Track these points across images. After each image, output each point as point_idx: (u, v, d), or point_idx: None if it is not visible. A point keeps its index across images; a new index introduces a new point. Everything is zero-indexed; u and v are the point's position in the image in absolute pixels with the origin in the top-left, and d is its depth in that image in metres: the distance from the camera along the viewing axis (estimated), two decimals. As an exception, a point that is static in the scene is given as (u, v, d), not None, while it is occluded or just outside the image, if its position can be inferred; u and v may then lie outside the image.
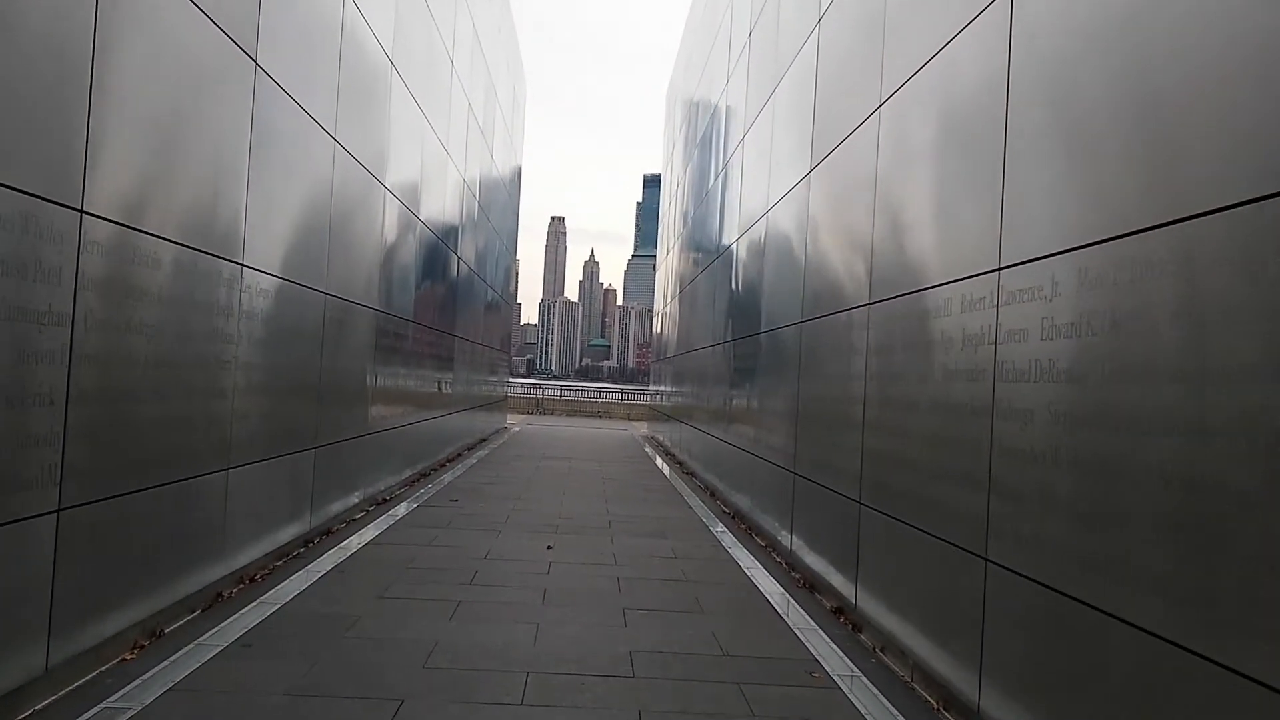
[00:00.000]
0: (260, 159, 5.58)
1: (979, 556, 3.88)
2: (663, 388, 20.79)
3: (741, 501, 9.51)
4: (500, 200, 19.43)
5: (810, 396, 6.93)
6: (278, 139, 5.89)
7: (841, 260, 6.42)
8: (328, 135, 6.90)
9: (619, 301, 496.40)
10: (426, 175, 10.90)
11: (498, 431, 20.99)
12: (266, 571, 5.96)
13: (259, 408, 5.78)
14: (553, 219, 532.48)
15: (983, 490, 3.88)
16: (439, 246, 12.11)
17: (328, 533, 7.38)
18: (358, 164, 7.75)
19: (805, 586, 6.48)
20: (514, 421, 26.24)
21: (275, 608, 5.13)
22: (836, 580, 5.95)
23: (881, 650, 4.96)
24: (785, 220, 8.31)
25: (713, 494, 11.33)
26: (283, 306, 6.12)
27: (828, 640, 5.14)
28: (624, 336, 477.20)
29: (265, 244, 5.76)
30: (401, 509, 8.85)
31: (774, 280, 8.78)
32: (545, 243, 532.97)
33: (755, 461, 8.83)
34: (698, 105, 16.34)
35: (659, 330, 23.51)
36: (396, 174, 9.27)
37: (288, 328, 6.27)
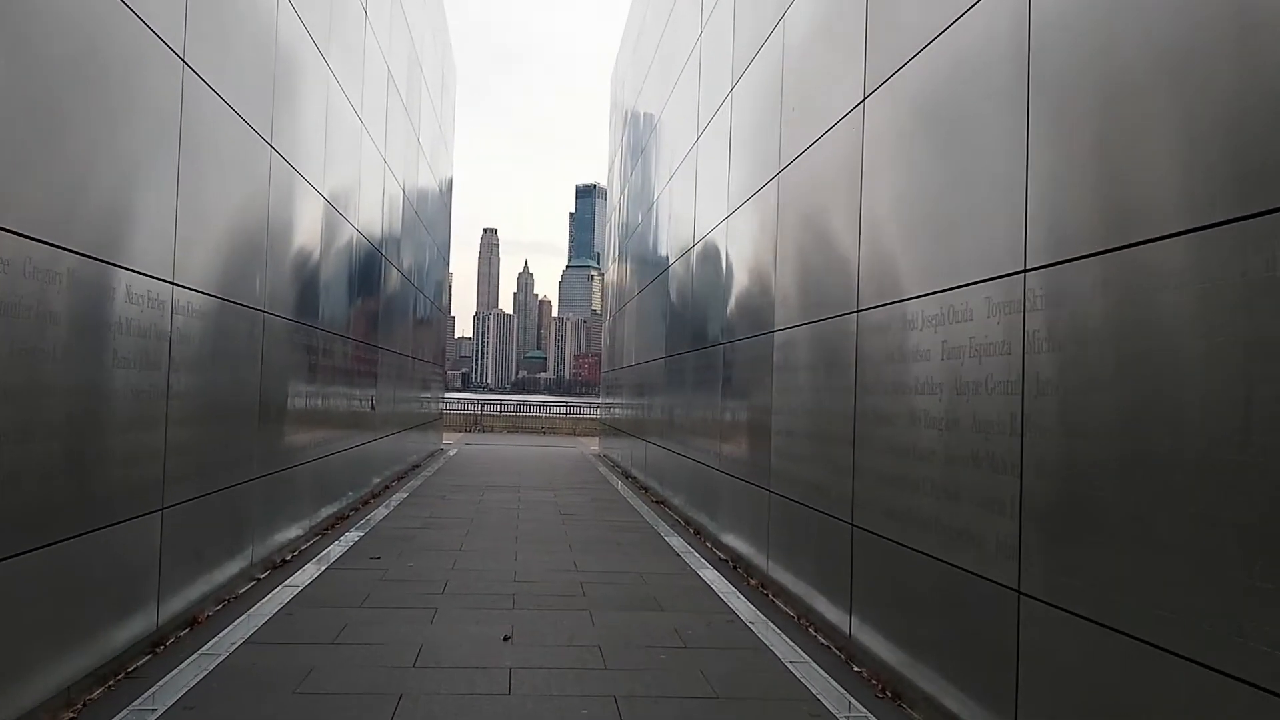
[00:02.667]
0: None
1: None
2: (617, 400, 18.72)
3: (740, 546, 7.52)
4: (431, 199, 17.20)
5: (874, 413, 4.97)
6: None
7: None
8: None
9: (554, 313, 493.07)
10: (333, 144, 8.71)
11: (433, 455, 18.68)
12: None
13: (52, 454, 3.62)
14: (485, 231, 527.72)
15: None
16: (346, 231, 9.91)
17: (187, 625, 5.17)
18: (234, 114, 5.59)
19: (890, 696, 4.48)
20: (451, 441, 23.90)
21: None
22: (955, 703, 3.98)
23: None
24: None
25: (697, 531, 9.32)
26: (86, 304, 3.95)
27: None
28: (560, 348, 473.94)
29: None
30: (303, 576, 6.64)
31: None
32: (479, 254, 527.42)
33: (773, 500, 6.84)
34: (643, 106, 14.41)
35: (610, 338, 21.45)
36: (286, 134, 7.09)
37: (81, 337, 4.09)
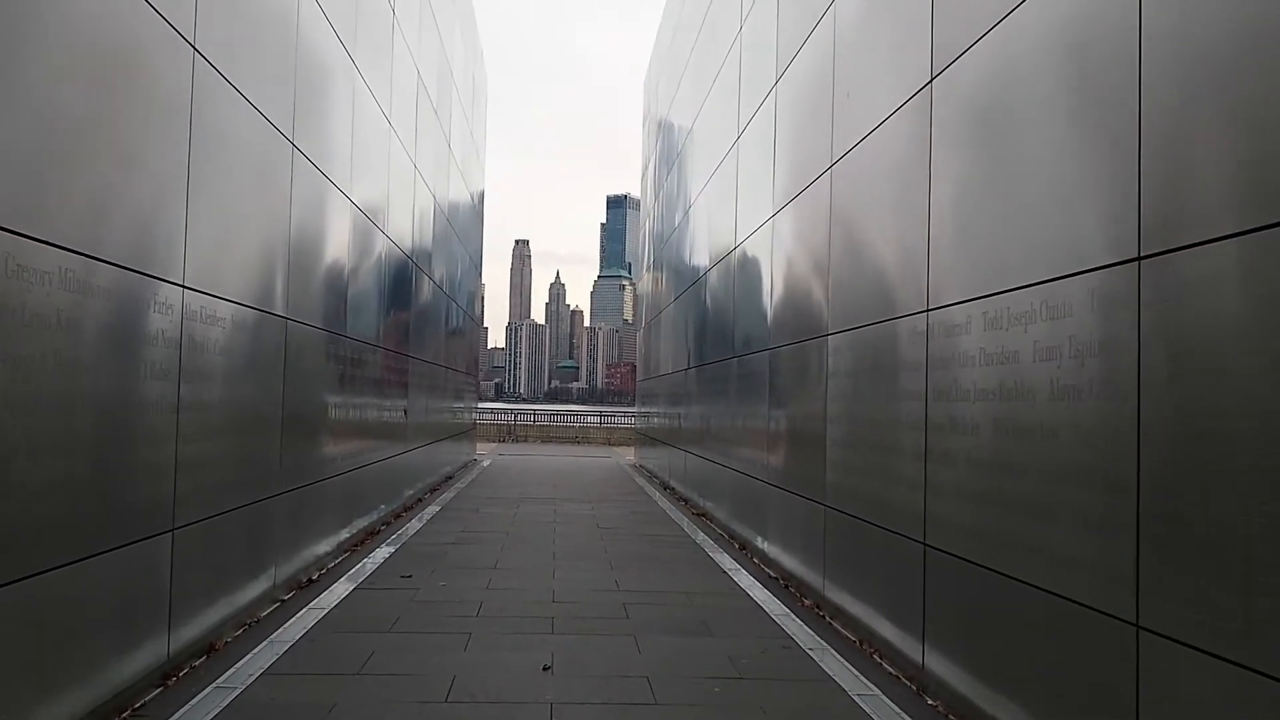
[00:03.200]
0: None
1: None
2: (654, 409, 18.30)
3: (793, 564, 7.06)
4: (463, 206, 16.93)
5: (950, 421, 4.49)
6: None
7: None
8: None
9: (586, 323, 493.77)
10: (361, 149, 8.39)
11: (466, 465, 18.36)
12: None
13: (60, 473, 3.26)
14: (517, 242, 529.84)
15: None
16: (375, 238, 9.60)
17: (204, 653, 4.81)
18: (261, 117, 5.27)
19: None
20: (484, 451, 23.59)
21: None
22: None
23: None
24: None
25: (743, 546, 8.86)
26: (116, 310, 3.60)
27: None
28: (592, 357, 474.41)
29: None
30: (331, 597, 6.28)
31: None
32: (510, 266, 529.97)
33: (829, 515, 6.38)
34: (676, 113, 14.01)
35: (645, 346, 21.05)
36: (311, 135, 6.76)
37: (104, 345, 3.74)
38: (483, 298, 24.36)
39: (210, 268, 4.80)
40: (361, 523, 8.77)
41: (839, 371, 6.12)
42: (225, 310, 5.01)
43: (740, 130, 9.75)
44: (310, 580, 6.79)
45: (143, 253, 4.05)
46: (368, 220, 8.68)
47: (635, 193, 22.57)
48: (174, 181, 4.38)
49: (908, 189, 5.06)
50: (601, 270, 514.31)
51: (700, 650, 5.21)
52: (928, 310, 4.73)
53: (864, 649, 5.35)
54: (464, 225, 17.14)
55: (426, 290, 12.57)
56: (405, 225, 10.82)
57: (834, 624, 5.94)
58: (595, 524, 10.42)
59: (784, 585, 7.14)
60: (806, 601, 6.56)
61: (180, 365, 4.44)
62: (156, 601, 4.32)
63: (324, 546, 7.32)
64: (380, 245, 9.37)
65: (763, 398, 8.28)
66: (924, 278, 4.79)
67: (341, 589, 6.53)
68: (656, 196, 18.75)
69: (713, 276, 11.26)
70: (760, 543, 8.21)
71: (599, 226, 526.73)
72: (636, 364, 23.66)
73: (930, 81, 4.82)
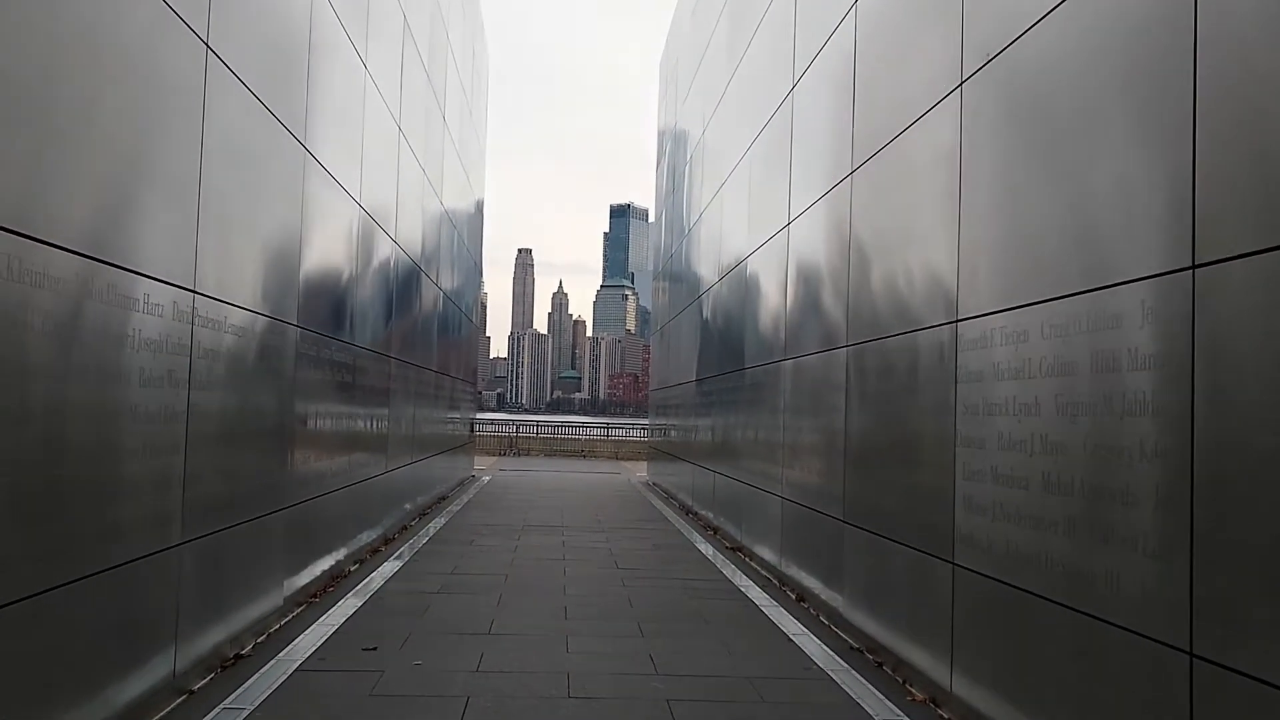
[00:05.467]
0: None
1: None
2: (669, 422, 16.45)
3: (889, 637, 5.23)
4: (464, 207, 15.16)
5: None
6: None
7: None
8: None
9: (589, 333, 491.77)
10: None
11: (463, 483, 16.52)
12: None
13: None
14: (520, 251, 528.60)
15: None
16: (347, 208, 7.82)
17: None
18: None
19: None
20: (484, 466, 21.74)
21: None
22: None
23: None
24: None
25: (801, 599, 7.03)
26: None
27: None
28: (594, 368, 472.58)
29: None
30: (251, 693, 4.44)
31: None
32: (513, 275, 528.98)
33: (959, 575, 4.55)
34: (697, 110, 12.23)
35: (658, 352, 19.22)
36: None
37: None
38: (485, 306, 22.68)
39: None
40: (323, 564, 6.94)
41: (980, 373, 4.30)
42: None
43: (760, 129, 7.96)
44: (237, 656, 4.96)
45: None
46: (332, 180, 6.88)
47: (639, 202, 20.90)
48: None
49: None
50: (604, 280, 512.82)
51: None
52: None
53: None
54: (459, 210, 15.36)
55: (411, 276, 10.72)
56: (375, 180, 9.03)
57: (975, 739, 4.12)
58: (613, 561, 8.58)
59: (876, 663, 5.30)
60: (917, 693, 4.73)
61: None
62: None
63: (263, 605, 5.50)
64: (353, 215, 7.59)
65: (835, 408, 6.45)
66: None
67: (270, 678, 4.67)
68: (673, 184, 16.96)
69: (755, 262, 9.44)
70: (830, 596, 6.37)
71: (602, 236, 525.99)
72: (640, 375, 21.88)
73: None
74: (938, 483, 4.63)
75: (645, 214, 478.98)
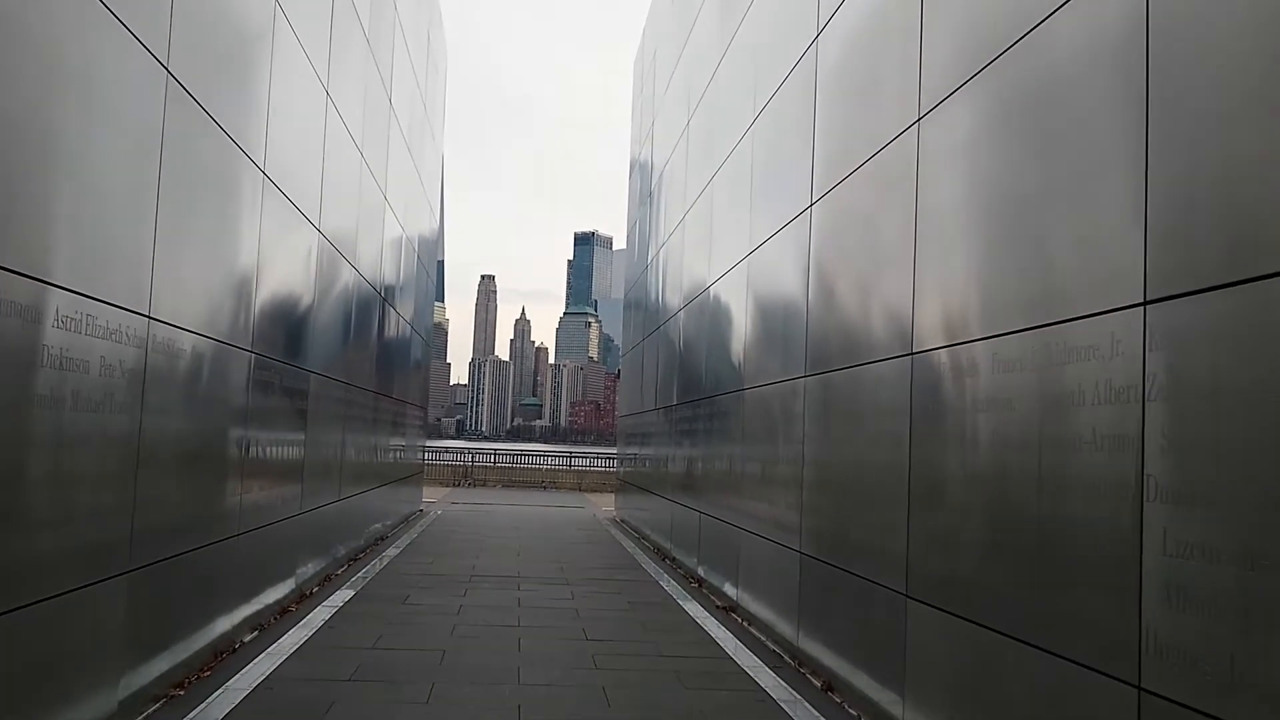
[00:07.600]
0: None
1: None
2: (642, 451, 14.73)
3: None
4: (413, 194, 13.45)
5: None
6: None
7: None
8: None
9: (551, 360, 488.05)
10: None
11: (407, 520, 14.64)
12: None
13: None
14: (483, 277, 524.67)
15: None
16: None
17: None
18: None
19: None
20: (435, 498, 19.82)
21: None
22: None
23: None
24: None
25: (828, 686, 5.36)
26: None
27: None
28: (556, 395, 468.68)
29: None
30: None
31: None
32: (475, 301, 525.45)
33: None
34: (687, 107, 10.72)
35: (630, 376, 17.52)
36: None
37: None
38: (446, 331, 20.91)
39: None
40: (197, 641, 5.15)
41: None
42: None
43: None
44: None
45: None
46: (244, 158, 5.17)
47: (603, 229, 19.41)
48: None
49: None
50: (567, 307, 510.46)
51: None
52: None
53: None
54: (413, 216, 13.64)
55: (341, 274, 8.92)
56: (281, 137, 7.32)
57: None
58: (581, 630, 6.84)
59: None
60: None
61: None
62: None
63: (94, 709, 3.71)
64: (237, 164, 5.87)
65: (899, 441, 4.79)
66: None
67: None
68: (649, 194, 15.39)
69: (742, 274, 7.83)
70: (880, 693, 4.70)
71: (565, 263, 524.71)
72: (601, 402, 20.17)
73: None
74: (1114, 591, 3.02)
75: (610, 241, 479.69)
